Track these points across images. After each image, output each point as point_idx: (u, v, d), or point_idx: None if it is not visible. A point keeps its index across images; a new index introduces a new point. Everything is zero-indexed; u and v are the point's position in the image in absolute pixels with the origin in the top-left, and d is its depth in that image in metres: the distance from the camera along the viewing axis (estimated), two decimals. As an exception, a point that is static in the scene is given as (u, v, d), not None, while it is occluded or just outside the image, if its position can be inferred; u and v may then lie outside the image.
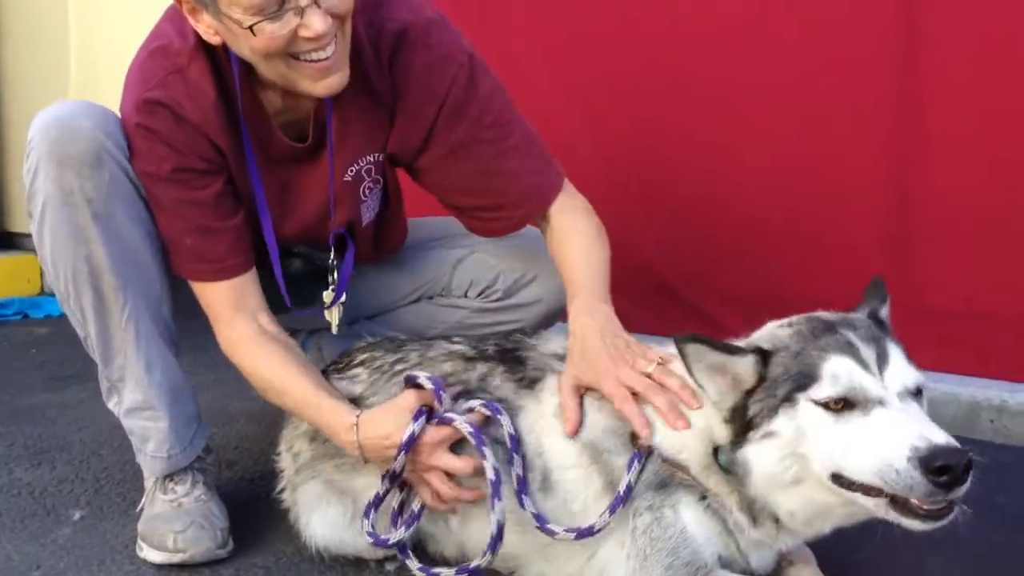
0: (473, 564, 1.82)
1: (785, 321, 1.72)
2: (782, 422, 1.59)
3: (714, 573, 1.71)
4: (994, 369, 2.83)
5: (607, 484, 1.77)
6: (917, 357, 1.80)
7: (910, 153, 2.94)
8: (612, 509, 1.72)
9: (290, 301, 2.14)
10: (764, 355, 1.63)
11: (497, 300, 2.42)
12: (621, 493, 1.72)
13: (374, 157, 2.12)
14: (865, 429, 1.52)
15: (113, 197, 1.93)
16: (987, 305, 2.87)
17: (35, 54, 5.17)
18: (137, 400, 2.07)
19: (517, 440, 1.81)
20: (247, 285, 2.04)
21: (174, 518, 2.02)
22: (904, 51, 2.89)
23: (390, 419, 1.84)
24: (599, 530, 1.72)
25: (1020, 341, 2.81)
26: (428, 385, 1.85)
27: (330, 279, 2.21)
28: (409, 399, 1.86)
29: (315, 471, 2.03)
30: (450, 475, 1.84)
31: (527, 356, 1.95)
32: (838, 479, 1.55)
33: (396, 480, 1.88)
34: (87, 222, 1.92)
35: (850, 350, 1.57)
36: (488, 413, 1.82)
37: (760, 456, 1.62)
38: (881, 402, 1.53)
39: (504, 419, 1.81)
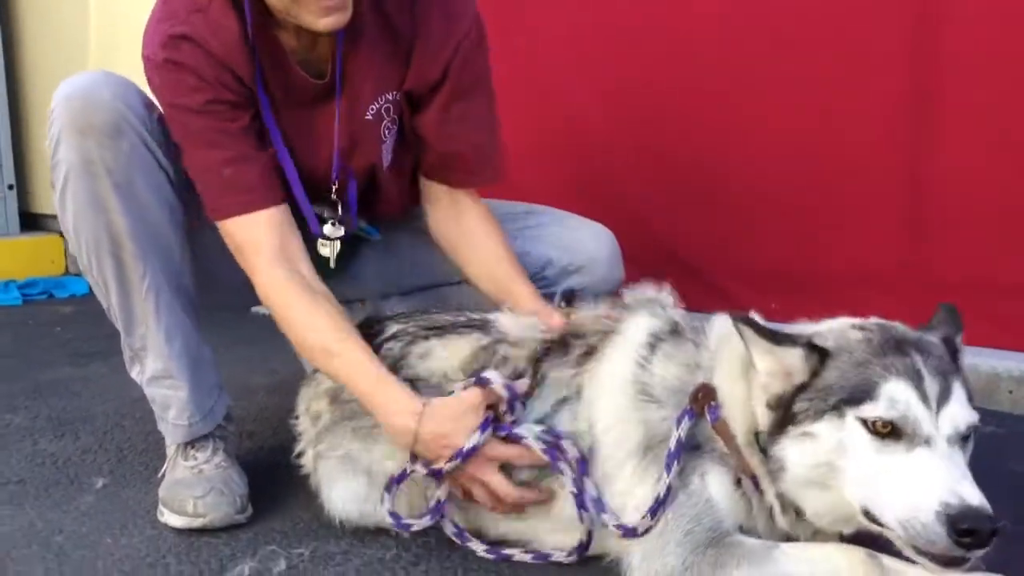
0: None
1: (860, 322, 1.68)
2: (825, 429, 1.58)
3: (732, 536, 1.71)
4: (1012, 340, 2.81)
5: (642, 441, 1.77)
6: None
7: (923, 129, 2.94)
8: (668, 467, 1.70)
9: (316, 227, 2.15)
10: (823, 353, 1.62)
11: (543, 287, 2.40)
12: (672, 449, 1.71)
13: (392, 95, 2.14)
14: (904, 466, 1.51)
15: (133, 167, 1.96)
16: (1002, 277, 2.87)
17: (55, 34, 5.21)
18: (158, 369, 2.10)
19: (584, 462, 1.80)
20: (285, 222, 2.02)
21: (194, 484, 2.05)
22: (918, 30, 2.89)
23: (454, 419, 1.80)
24: (643, 533, 1.71)
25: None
26: (503, 393, 1.81)
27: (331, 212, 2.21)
28: (475, 398, 1.81)
29: (335, 438, 2.03)
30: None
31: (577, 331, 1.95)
32: (866, 514, 1.55)
33: (435, 475, 1.84)
34: (108, 191, 1.95)
35: (915, 377, 1.54)
36: (548, 441, 1.79)
37: (796, 455, 1.62)
38: (928, 442, 1.51)
39: (565, 469, 1.78)
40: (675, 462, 1.71)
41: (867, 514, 1.56)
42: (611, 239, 2.41)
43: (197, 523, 2.01)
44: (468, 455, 1.79)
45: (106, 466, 2.38)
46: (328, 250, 2.22)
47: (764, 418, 1.68)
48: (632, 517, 1.74)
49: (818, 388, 1.61)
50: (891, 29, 2.92)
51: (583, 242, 2.36)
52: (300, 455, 2.14)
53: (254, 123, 2.05)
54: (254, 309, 3.58)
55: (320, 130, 2.14)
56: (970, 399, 1.58)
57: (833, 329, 1.70)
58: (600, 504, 1.78)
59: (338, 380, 1.98)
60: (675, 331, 1.88)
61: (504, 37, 3.32)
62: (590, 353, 1.90)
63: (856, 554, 1.61)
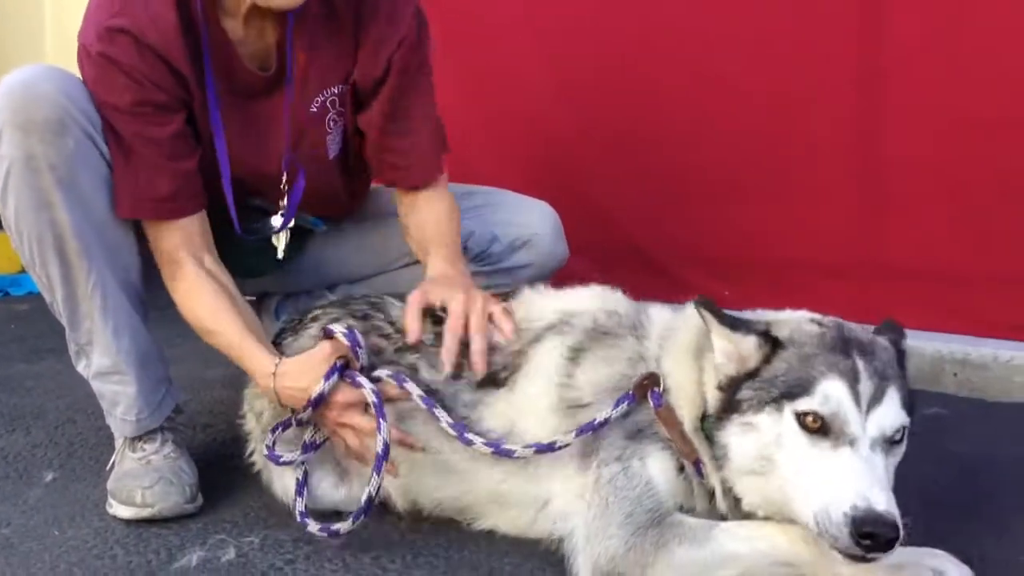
0: (364, 498, 1.85)
1: (819, 317, 1.74)
2: (765, 421, 1.63)
3: (672, 516, 1.74)
4: (957, 324, 2.87)
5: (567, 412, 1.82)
6: (884, 314, 1.85)
7: (877, 117, 2.99)
8: (580, 431, 1.75)
9: (240, 227, 2.16)
10: (775, 343, 1.67)
11: (491, 264, 2.45)
12: (597, 421, 1.75)
13: (338, 88, 2.15)
14: (826, 464, 1.56)
15: (77, 163, 1.94)
16: (951, 263, 2.93)
17: (8, 23, 5.14)
18: (105, 365, 2.09)
19: (432, 400, 1.86)
20: (194, 226, 2.06)
21: (142, 474, 2.05)
22: (865, 14, 2.94)
23: (306, 371, 1.90)
24: (561, 447, 1.76)
25: (982, 297, 2.87)
26: (344, 341, 1.91)
27: (280, 205, 2.23)
28: (325, 351, 1.91)
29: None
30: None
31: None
32: (791, 505, 1.61)
33: (300, 424, 1.96)
34: (50, 188, 1.92)
35: (851, 378, 1.60)
36: (395, 384, 1.88)
37: (738, 446, 1.67)
38: (852, 443, 1.57)
39: (411, 387, 1.87)
40: (590, 432, 1.76)
41: (793, 509, 1.61)
42: (553, 215, 2.46)
43: (145, 513, 2.01)
44: (317, 403, 1.86)
45: (56, 460, 2.37)
46: (276, 240, 2.23)
47: (715, 401, 1.72)
48: (569, 500, 1.79)
49: (764, 378, 1.66)
50: (838, 14, 2.97)
51: (527, 218, 2.40)
52: (251, 454, 2.17)
53: (186, 127, 2.04)
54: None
55: (264, 124, 2.14)
56: (905, 403, 1.64)
57: (790, 320, 1.75)
58: (461, 427, 1.83)
59: (225, 353, 2.07)
60: (600, 334, 1.90)
61: (459, 22, 3.34)
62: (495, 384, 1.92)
63: (795, 531, 1.65)
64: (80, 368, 2.14)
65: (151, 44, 1.95)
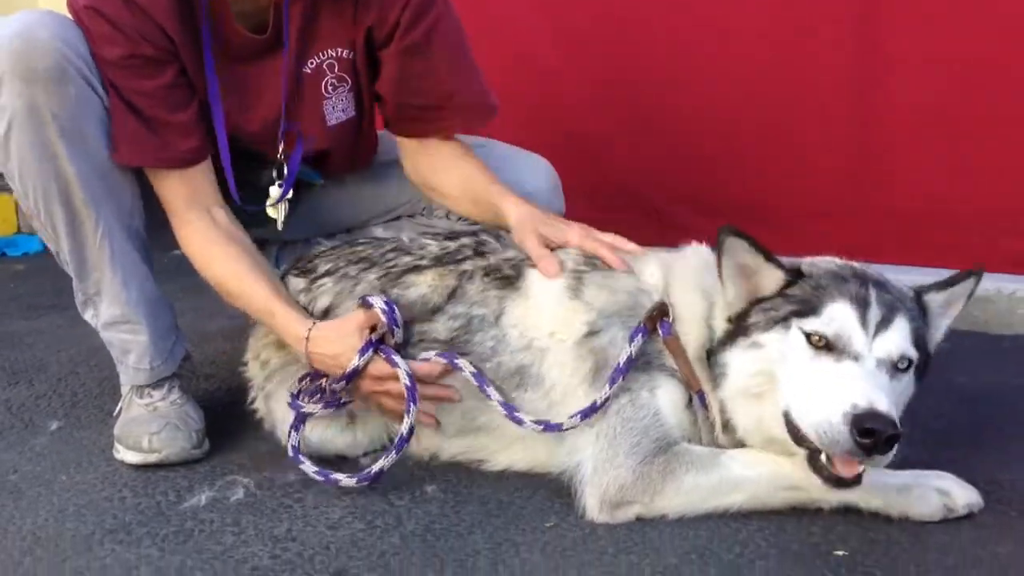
0: (375, 468, 1.86)
1: (844, 261, 1.77)
2: (771, 338, 1.65)
3: (679, 445, 1.76)
4: (957, 261, 2.85)
5: (594, 368, 1.82)
6: (882, 254, 1.86)
7: (871, 58, 2.99)
8: (612, 380, 1.76)
9: (238, 197, 2.13)
10: (797, 274, 1.69)
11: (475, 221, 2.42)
12: (621, 364, 1.76)
13: (337, 52, 2.11)
14: (828, 373, 1.58)
15: (80, 112, 1.91)
16: (949, 200, 2.94)
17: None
18: (115, 315, 2.08)
19: (484, 378, 1.86)
20: (199, 176, 2.04)
21: (149, 420, 2.05)
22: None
23: (340, 340, 1.90)
24: (602, 404, 1.77)
25: (977, 235, 2.88)
26: (382, 318, 1.90)
27: (276, 174, 2.20)
28: (359, 320, 1.91)
29: (284, 376, 2.07)
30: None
31: (502, 256, 1.99)
32: (787, 418, 1.62)
33: (334, 394, 1.95)
34: (55, 138, 1.90)
35: (860, 304, 1.62)
36: (443, 362, 1.89)
37: (739, 363, 1.69)
38: (856, 358, 1.59)
39: (464, 363, 1.87)
40: (621, 378, 1.76)
41: (788, 423, 1.62)
42: (550, 170, 2.41)
43: (153, 458, 2.01)
44: (352, 377, 1.88)
45: (60, 410, 2.36)
46: (275, 211, 2.22)
47: (722, 332, 1.74)
48: (581, 431, 1.80)
49: (775, 302, 1.68)
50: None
51: (521, 175, 2.34)
52: (253, 401, 2.17)
53: (179, 78, 2.00)
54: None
55: (257, 88, 2.10)
56: (917, 339, 1.65)
57: (816, 260, 1.77)
58: (510, 407, 1.84)
59: (248, 313, 2.08)
60: (593, 263, 1.93)
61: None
62: (507, 284, 1.94)
63: (798, 458, 1.66)
64: (88, 317, 2.13)
65: (140, 4, 1.92)
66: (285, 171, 2.19)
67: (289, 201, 2.29)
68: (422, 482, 1.92)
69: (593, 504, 1.75)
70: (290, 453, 1.94)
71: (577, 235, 1.97)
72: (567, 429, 1.79)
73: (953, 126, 2.91)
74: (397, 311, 1.91)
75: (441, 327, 1.94)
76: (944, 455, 1.88)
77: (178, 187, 2.03)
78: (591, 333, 1.84)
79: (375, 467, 1.85)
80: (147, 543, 1.73)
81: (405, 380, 1.84)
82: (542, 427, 1.81)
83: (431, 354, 1.91)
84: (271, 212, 2.23)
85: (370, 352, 1.87)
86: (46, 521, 1.81)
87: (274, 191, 2.21)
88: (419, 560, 1.65)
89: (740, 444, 1.75)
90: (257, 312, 2.03)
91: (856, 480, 1.59)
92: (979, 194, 2.91)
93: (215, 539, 1.74)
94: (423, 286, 1.97)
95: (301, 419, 1.96)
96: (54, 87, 1.87)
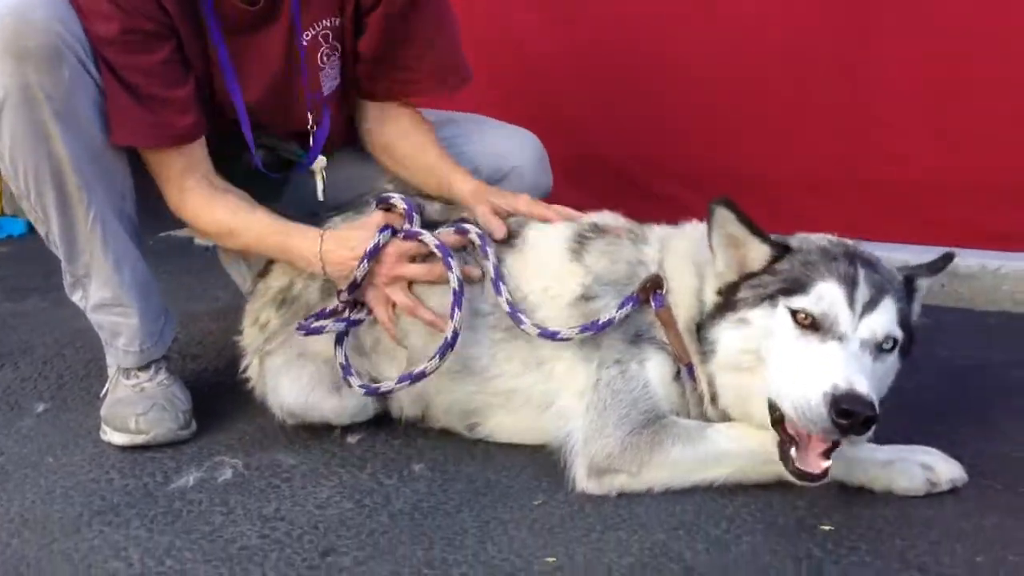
0: (418, 369, 1.88)
1: (834, 238, 1.77)
2: (759, 315, 1.66)
3: (667, 417, 1.77)
4: (942, 236, 2.87)
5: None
6: (868, 229, 1.86)
7: (858, 33, 2.97)
8: (584, 329, 1.79)
9: (259, 161, 2.15)
10: (785, 249, 1.70)
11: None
12: (600, 322, 1.79)
13: (330, 21, 2.10)
14: (812, 353, 1.59)
15: (74, 92, 1.89)
16: (934, 177, 2.93)
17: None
18: (106, 297, 2.06)
19: (488, 250, 1.93)
20: (197, 151, 2.04)
21: (136, 401, 2.05)
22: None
23: (356, 233, 1.95)
24: (564, 339, 1.81)
25: (964, 209, 2.88)
26: (401, 205, 1.96)
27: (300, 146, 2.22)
28: (377, 217, 1.97)
29: (282, 336, 2.06)
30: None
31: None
32: (771, 402, 1.63)
33: (354, 290, 1.95)
34: (49, 120, 1.87)
35: (848, 283, 1.62)
36: (456, 231, 1.95)
37: (727, 339, 1.70)
38: (841, 339, 1.59)
39: (471, 228, 1.95)
40: (593, 333, 1.80)
41: (771, 403, 1.64)
42: (537, 144, 2.40)
43: (140, 439, 2.01)
44: (373, 254, 1.91)
45: (47, 392, 2.35)
46: (316, 177, 2.24)
47: (712, 306, 1.75)
48: (570, 400, 1.84)
49: (763, 279, 1.69)
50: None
51: (508, 150, 2.34)
52: (245, 369, 2.15)
53: (175, 53, 1.98)
54: (196, 241, 3.55)
55: (253, 60, 2.08)
56: (902, 320, 1.66)
57: (803, 236, 1.78)
58: (514, 309, 1.87)
59: (251, 251, 2.11)
60: (599, 230, 1.94)
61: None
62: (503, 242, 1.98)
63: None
64: (76, 299, 2.11)
65: None
66: (312, 140, 2.20)
67: (279, 180, 2.29)
68: (410, 460, 1.93)
69: (581, 473, 1.77)
70: (341, 374, 1.97)
71: (525, 203, 2.04)
72: (563, 339, 1.82)
73: (941, 103, 2.89)
74: (416, 207, 1.98)
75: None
76: (928, 430, 1.90)
77: (175, 161, 2.03)
78: (585, 297, 1.86)
79: (416, 369, 1.88)
80: (135, 524, 1.73)
81: (433, 241, 1.90)
82: (539, 331, 1.83)
83: (446, 228, 1.97)
84: (317, 175, 2.25)
85: (389, 231, 1.92)
86: (33, 503, 1.81)
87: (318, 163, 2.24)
88: (407, 539, 1.65)
89: (728, 417, 1.76)
90: (266, 235, 2.03)
91: (822, 475, 1.59)
92: (965, 171, 2.90)
93: (203, 519, 1.74)
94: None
95: (343, 335, 1.98)
96: (47, 67, 1.85)
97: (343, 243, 1.95)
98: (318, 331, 1.97)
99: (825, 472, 1.59)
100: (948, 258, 1.84)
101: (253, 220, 2.04)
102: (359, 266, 1.91)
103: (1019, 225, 2.85)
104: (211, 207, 2.04)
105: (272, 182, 2.28)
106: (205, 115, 2.04)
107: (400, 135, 2.26)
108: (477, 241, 1.94)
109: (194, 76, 2.02)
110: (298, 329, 1.98)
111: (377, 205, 2.00)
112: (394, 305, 1.97)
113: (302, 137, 2.23)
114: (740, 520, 1.67)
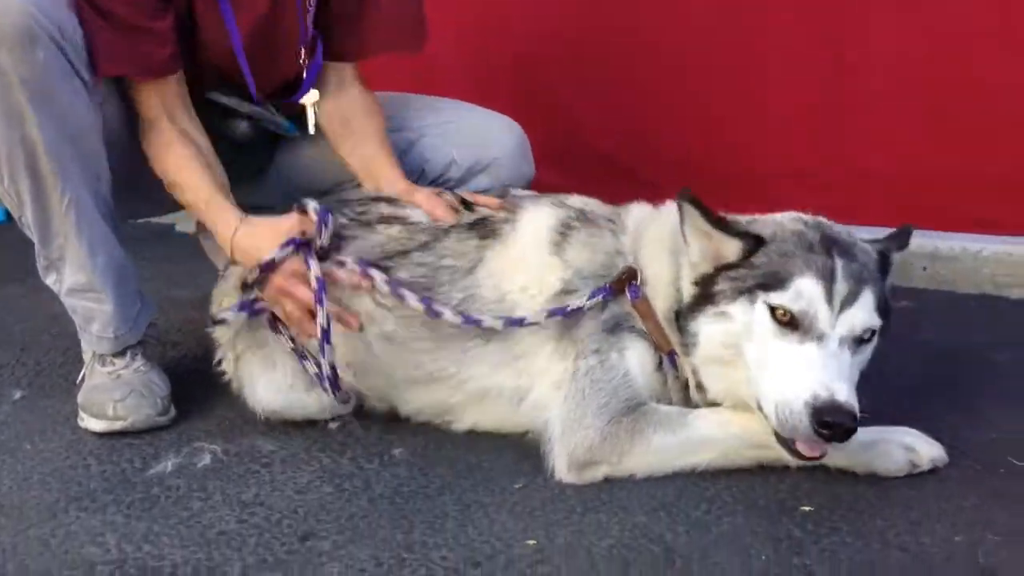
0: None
1: (803, 217, 1.75)
2: (738, 310, 1.64)
3: (647, 405, 1.76)
4: (923, 220, 2.87)
5: (562, 325, 1.81)
6: (854, 213, 1.84)
7: (845, 18, 2.96)
8: (552, 312, 1.77)
9: (255, 91, 2.15)
10: (758, 241, 1.67)
11: (447, 188, 2.37)
12: (569, 308, 1.77)
13: None
14: (792, 356, 1.58)
15: (50, 76, 1.85)
16: (915, 162, 2.94)
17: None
18: (80, 282, 2.03)
19: (396, 283, 1.88)
20: (173, 87, 2.03)
21: (113, 388, 2.03)
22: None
23: (267, 236, 1.93)
24: (530, 323, 1.79)
25: (948, 193, 2.89)
26: (313, 216, 1.92)
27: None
28: (291, 221, 1.94)
29: (252, 335, 2.04)
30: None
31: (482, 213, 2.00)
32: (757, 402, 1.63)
33: (250, 290, 1.96)
34: (23, 104, 1.84)
35: (827, 278, 1.60)
36: (359, 269, 1.90)
37: (708, 332, 1.68)
38: (820, 338, 1.58)
39: (376, 273, 1.89)
40: (559, 316, 1.78)
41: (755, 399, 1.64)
42: (519, 133, 2.37)
43: (118, 426, 1.99)
44: (268, 268, 1.90)
45: (24, 379, 2.33)
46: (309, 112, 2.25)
47: (689, 296, 1.73)
48: (546, 391, 1.82)
49: (741, 271, 1.66)
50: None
51: (489, 139, 2.31)
52: (220, 362, 2.13)
53: None
54: (178, 228, 3.52)
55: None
56: (880, 306, 1.65)
57: (777, 220, 1.75)
58: (426, 300, 1.86)
59: (191, 211, 2.09)
60: (585, 219, 1.90)
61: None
62: (490, 234, 1.93)
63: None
64: (49, 282, 2.08)
65: None
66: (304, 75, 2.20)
67: (261, 158, 2.27)
68: (390, 445, 1.92)
69: (562, 465, 1.75)
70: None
71: (422, 197, 2.04)
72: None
73: (923, 88, 2.90)
74: (331, 216, 1.94)
75: (404, 273, 1.92)
76: (909, 411, 1.90)
77: (152, 98, 2.01)
78: (565, 291, 1.83)
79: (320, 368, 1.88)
80: (112, 510, 1.71)
81: (314, 282, 1.86)
82: (502, 322, 1.80)
83: (349, 259, 1.91)
84: (309, 109, 2.26)
85: (290, 248, 1.90)
86: (10, 489, 1.80)
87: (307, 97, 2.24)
88: (388, 523, 1.65)
89: (714, 403, 1.75)
90: (196, 201, 2.03)
91: (822, 455, 1.61)
92: (946, 155, 2.91)
93: (182, 505, 1.73)
94: (383, 236, 1.98)
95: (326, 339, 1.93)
96: (21, 50, 1.81)
97: (253, 238, 1.94)
98: (222, 321, 2.00)
99: (824, 451, 1.59)
100: (908, 232, 1.83)
101: (192, 181, 2.02)
102: (255, 271, 1.91)
103: (998, 212, 2.85)
104: (166, 155, 2.03)
105: (257, 159, 2.27)
106: (192, 61, 2.03)
107: (350, 117, 2.25)
108: (384, 285, 1.89)
109: (173, 11, 1.99)
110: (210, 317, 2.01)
111: (296, 209, 1.96)
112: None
113: (287, 91, 2.22)
114: (721, 502, 1.67)
